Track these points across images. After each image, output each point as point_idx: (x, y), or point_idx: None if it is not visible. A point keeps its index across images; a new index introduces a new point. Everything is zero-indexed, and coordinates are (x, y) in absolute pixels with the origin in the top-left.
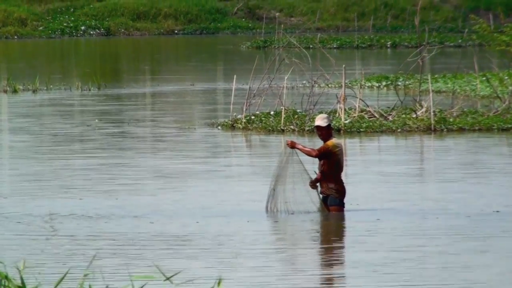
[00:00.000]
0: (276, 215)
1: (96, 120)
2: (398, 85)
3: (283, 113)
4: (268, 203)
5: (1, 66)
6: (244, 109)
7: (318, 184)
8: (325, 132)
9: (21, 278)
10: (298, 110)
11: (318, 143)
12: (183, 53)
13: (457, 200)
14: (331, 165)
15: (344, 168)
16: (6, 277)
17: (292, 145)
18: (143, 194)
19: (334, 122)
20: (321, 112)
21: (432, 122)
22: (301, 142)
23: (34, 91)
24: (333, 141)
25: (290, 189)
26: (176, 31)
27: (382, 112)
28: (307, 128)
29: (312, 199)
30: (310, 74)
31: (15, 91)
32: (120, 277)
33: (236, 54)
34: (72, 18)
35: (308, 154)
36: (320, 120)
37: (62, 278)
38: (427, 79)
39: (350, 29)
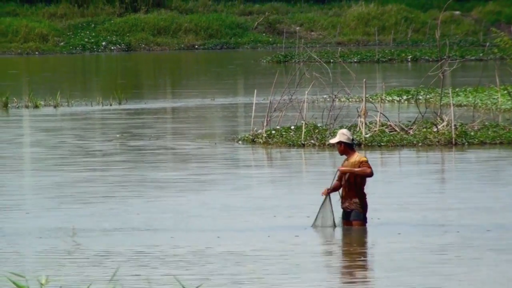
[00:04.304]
0: (298, 232)
1: (117, 135)
2: (419, 99)
3: (303, 127)
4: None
5: (22, 82)
6: (265, 124)
7: (329, 197)
8: (339, 148)
9: None
10: (319, 125)
11: (338, 159)
12: (203, 68)
13: (478, 214)
14: (358, 180)
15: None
16: None
17: (327, 193)
18: (164, 208)
19: (355, 135)
20: (341, 127)
21: (453, 136)
22: (322, 157)
23: (55, 107)
24: (362, 156)
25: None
26: (196, 46)
27: (403, 126)
28: (327, 143)
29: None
30: (330, 88)
31: (36, 106)
32: None
33: (257, 68)
34: (93, 34)
35: (364, 173)
36: (335, 137)
37: None
38: (448, 93)
39: (371, 43)
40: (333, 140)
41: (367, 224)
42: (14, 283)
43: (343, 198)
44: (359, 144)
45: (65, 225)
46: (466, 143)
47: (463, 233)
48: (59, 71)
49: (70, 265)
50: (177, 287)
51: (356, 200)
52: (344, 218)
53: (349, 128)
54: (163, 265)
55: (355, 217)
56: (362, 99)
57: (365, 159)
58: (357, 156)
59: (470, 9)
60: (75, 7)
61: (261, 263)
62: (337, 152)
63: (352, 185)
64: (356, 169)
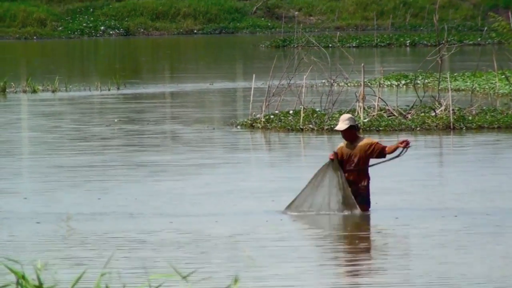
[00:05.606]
0: (296, 216)
1: (116, 120)
2: (417, 83)
3: (302, 112)
4: (293, 204)
5: (20, 67)
6: (263, 108)
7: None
8: (347, 134)
9: (38, 278)
10: (317, 109)
11: (337, 142)
12: (202, 52)
13: (476, 198)
14: (367, 163)
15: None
16: (23, 277)
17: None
18: (162, 193)
19: None
20: (340, 112)
21: (451, 120)
22: (320, 142)
23: (53, 91)
24: (369, 138)
25: (322, 196)
26: (195, 31)
27: (401, 111)
28: (326, 127)
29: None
30: (329, 73)
31: (34, 91)
32: (137, 276)
33: (255, 53)
34: (92, 18)
35: (390, 151)
36: (341, 123)
37: (79, 278)
38: (446, 78)
39: (369, 28)
40: (342, 127)
41: (370, 209)
42: (9, 268)
43: (350, 183)
44: (358, 129)
45: (62, 209)
46: (464, 128)
47: (461, 217)
48: (57, 56)
49: (66, 250)
50: (173, 273)
51: (365, 184)
52: None
53: (348, 112)
54: (160, 250)
55: (362, 201)
56: (360, 83)
57: (373, 140)
58: (363, 139)
59: None
60: None
61: (259, 248)
62: (336, 137)
63: (362, 169)
64: (392, 147)
